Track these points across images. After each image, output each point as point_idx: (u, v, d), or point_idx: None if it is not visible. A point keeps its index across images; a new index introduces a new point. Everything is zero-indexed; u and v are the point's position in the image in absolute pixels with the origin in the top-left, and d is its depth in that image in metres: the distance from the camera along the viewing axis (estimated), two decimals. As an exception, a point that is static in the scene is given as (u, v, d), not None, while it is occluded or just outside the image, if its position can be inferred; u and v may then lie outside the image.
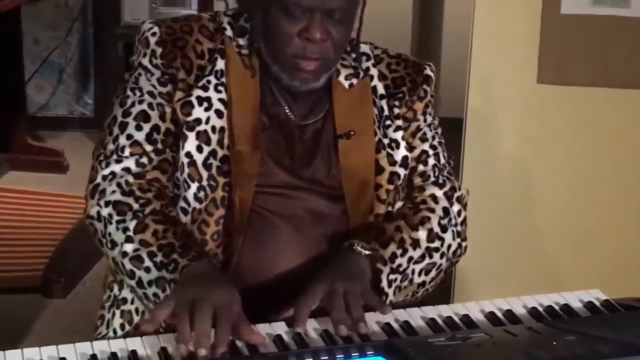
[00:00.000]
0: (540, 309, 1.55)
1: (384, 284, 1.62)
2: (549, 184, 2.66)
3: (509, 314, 1.53)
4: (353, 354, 1.34)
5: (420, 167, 1.77)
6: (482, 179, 2.66)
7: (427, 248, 1.70)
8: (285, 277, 1.65)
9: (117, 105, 1.70)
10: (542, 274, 2.58)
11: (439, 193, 1.76)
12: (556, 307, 1.56)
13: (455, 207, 1.77)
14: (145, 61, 1.69)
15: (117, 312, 1.73)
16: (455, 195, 1.78)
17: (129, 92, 1.70)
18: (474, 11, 2.58)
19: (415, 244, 1.68)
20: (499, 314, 1.53)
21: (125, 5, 4.75)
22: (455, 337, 1.40)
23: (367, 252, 1.62)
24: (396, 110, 1.75)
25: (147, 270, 1.56)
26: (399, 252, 1.66)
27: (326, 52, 1.63)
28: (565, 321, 1.51)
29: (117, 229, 1.60)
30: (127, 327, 1.71)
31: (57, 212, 3.66)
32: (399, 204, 1.75)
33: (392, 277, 1.63)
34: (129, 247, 1.58)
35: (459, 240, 1.76)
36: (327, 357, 1.32)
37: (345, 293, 1.49)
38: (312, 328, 1.46)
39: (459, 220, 1.77)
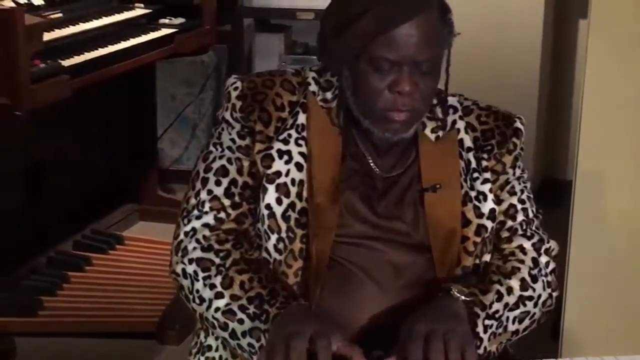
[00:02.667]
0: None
1: (480, 329, 1.62)
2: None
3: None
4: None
5: (509, 222, 1.77)
6: (593, 239, 2.62)
7: (520, 296, 1.70)
8: (364, 328, 1.67)
9: (200, 160, 1.76)
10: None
11: (527, 245, 1.76)
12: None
13: (544, 259, 1.76)
14: (227, 115, 1.74)
15: (202, 359, 1.79)
16: (544, 247, 1.78)
17: (211, 148, 1.76)
18: (584, 75, 2.55)
19: (509, 291, 1.69)
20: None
21: (257, 63, 4.92)
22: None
23: (464, 298, 1.62)
24: (484, 163, 1.76)
25: (241, 322, 1.62)
26: (495, 297, 1.66)
27: (415, 103, 1.65)
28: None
29: (205, 285, 1.66)
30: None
31: (180, 261, 3.73)
32: (486, 257, 1.74)
33: (487, 322, 1.64)
34: (220, 303, 1.64)
35: (549, 290, 1.75)
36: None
37: (446, 333, 1.49)
38: None
39: (548, 270, 1.76)
